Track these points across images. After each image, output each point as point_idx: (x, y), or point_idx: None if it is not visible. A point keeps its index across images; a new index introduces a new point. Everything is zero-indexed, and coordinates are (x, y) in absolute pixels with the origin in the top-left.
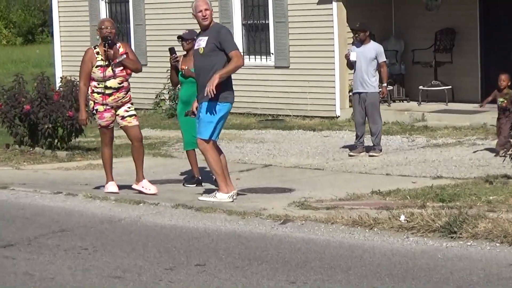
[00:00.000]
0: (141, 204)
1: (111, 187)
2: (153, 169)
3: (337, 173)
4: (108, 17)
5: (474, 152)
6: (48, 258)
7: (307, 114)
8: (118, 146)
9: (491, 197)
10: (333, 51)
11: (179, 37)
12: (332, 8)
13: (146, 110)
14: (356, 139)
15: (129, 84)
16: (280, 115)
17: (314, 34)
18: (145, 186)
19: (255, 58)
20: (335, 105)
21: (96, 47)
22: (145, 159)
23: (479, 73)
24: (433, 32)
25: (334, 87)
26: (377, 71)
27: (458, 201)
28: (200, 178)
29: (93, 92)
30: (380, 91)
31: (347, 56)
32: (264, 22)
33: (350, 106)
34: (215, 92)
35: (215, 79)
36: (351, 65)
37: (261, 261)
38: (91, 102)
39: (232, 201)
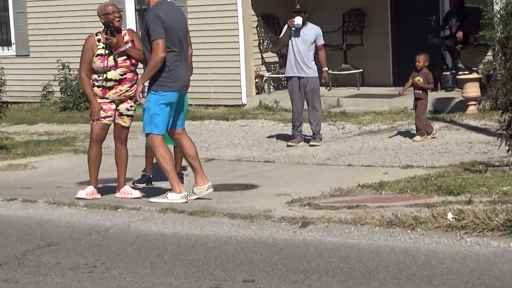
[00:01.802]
0: (119, 210)
1: (85, 193)
2: (84, 168)
3: (292, 166)
4: None
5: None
6: (59, 280)
7: (209, 103)
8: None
9: (504, 188)
10: (238, 35)
11: None
12: None
13: (30, 103)
14: (293, 128)
15: (135, 75)
16: None
17: (216, 18)
18: (126, 191)
19: None
20: (240, 92)
21: (98, 34)
22: (67, 157)
23: (390, 55)
24: (341, 13)
25: (239, 73)
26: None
27: (468, 193)
28: (151, 176)
29: (93, 86)
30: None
31: (291, 23)
32: None
33: (256, 93)
34: (142, 97)
35: (139, 86)
36: (285, 41)
37: (318, 273)
38: None
39: (186, 202)
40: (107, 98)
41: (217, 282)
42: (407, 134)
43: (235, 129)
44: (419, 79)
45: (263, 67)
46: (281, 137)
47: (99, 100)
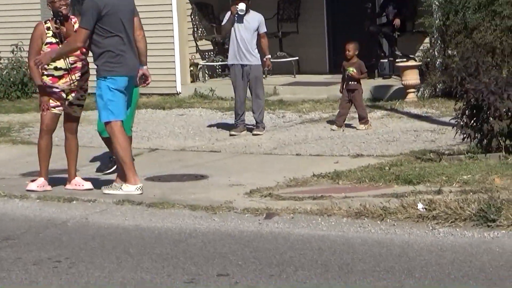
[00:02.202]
0: (74, 202)
1: (36, 185)
2: (25, 159)
3: (239, 155)
4: None
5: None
6: (24, 276)
7: (144, 91)
8: None
9: (464, 177)
10: (172, 23)
11: None
12: None
13: None
14: (236, 117)
15: (86, 64)
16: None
17: (150, 6)
18: (77, 182)
19: None
20: (175, 81)
21: (48, 21)
22: (5, 148)
23: (326, 43)
24: (276, 0)
25: (174, 62)
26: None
27: (427, 182)
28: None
29: (42, 74)
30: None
31: (235, 9)
32: None
33: (191, 81)
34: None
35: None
36: (228, 28)
37: (293, 266)
38: None
39: (141, 193)
40: (57, 88)
41: (190, 276)
42: (354, 122)
43: (173, 118)
44: (352, 70)
45: (198, 55)
46: (221, 126)
47: (48, 90)
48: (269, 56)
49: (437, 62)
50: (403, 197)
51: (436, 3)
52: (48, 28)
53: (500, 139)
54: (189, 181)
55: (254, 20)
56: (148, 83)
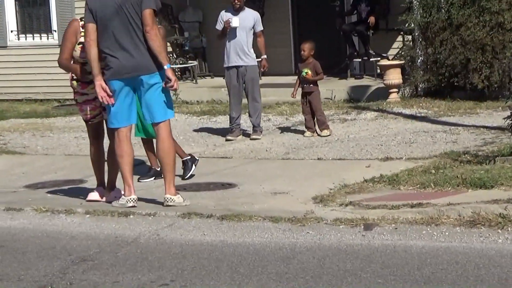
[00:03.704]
0: (131, 216)
1: (94, 194)
2: (18, 170)
3: (256, 161)
4: None
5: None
6: None
7: None
8: None
9: None
10: None
11: None
12: None
13: None
14: (231, 121)
15: None
16: (68, 99)
17: None
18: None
19: (33, 36)
20: None
21: (83, 19)
22: None
23: (291, 43)
24: None
25: None
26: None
27: (502, 186)
28: (158, 169)
29: (72, 79)
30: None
31: (228, 23)
32: None
33: None
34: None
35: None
36: (223, 34)
37: (445, 283)
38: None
39: (133, 206)
40: (87, 94)
41: None
42: (352, 124)
43: None
44: (307, 72)
45: None
46: (207, 130)
47: (79, 97)
48: (265, 56)
49: (419, 61)
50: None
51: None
52: (83, 26)
53: None
54: (219, 189)
55: (249, 18)
56: (174, 87)
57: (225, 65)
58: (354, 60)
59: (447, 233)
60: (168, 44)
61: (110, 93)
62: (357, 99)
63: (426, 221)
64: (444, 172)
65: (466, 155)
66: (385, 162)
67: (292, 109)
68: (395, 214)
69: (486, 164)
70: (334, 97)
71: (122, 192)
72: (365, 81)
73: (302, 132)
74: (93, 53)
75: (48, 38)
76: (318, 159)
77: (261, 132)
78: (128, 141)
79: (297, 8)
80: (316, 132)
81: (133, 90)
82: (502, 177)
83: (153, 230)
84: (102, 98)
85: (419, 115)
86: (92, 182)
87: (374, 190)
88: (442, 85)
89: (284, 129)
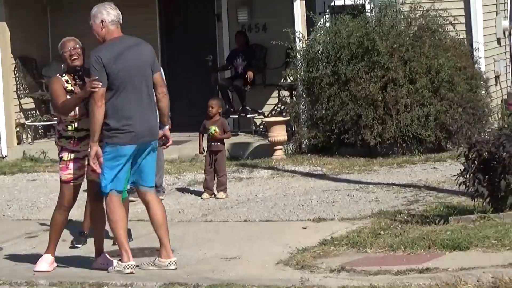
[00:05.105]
0: None
1: (46, 264)
2: None
3: (177, 224)
4: None
5: None
6: None
7: None
8: None
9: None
10: None
11: None
12: None
13: None
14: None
15: None
16: None
17: None
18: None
19: None
20: (0, 143)
21: (64, 74)
22: None
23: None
24: None
25: None
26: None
27: (477, 247)
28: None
29: (60, 136)
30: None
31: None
32: None
33: (18, 143)
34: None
35: (92, 149)
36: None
37: None
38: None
39: (130, 272)
40: (78, 151)
41: None
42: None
43: (30, 184)
44: (215, 129)
45: (22, 114)
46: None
47: (65, 155)
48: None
49: (303, 117)
50: None
51: (301, 53)
52: (67, 81)
53: None
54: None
55: None
56: (169, 145)
57: None
58: (231, 116)
59: None
60: (32, 100)
61: (102, 161)
62: (236, 157)
63: None
64: (404, 234)
65: (401, 214)
66: (320, 223)
67: (180, 167)
68: (404, 281)
69: (436, 224)
70: None
71: (110, 258)
72: (242, 138)
73: (200, 192)
74: (101, 118)
75: None
76: (245, 221)
77: (164, 192)
78: (122, 205)
79: (167, 60)
80: (214, 194)
81: None
82: (474, 238)
83: None
84: (93, 165)
85: (315, 172)
86: (8, 249)
87: (340, 254)
88: (331, 141)
89: (183, 190)
